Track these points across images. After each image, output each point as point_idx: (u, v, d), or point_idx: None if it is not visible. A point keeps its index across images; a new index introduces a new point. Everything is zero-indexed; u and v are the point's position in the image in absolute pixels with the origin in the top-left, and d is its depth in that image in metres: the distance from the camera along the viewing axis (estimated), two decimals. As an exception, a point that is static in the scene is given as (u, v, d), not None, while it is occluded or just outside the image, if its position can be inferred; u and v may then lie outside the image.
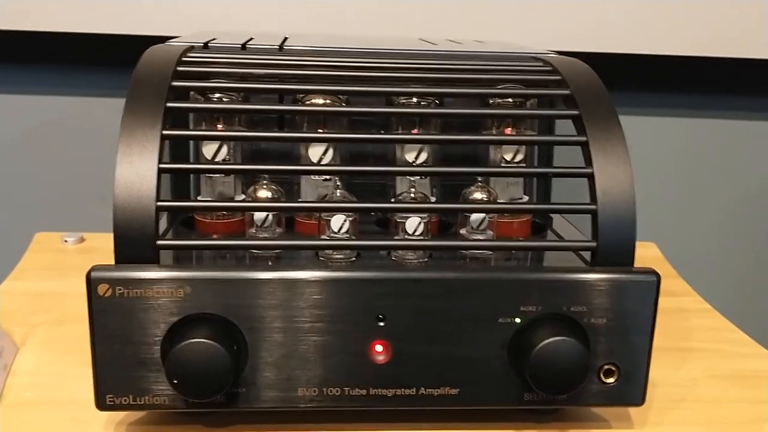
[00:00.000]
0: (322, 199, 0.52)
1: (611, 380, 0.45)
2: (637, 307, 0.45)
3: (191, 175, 0.57)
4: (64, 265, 0.70)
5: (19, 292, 0.64)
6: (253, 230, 0.50)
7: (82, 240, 0.74)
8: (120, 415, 0.47)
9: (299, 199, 0.54)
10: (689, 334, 0.61)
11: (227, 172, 0.52)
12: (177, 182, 0.57)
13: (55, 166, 0.85)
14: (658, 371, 0.51)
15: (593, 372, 0.45)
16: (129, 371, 0.43)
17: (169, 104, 0.46)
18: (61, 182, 0.85)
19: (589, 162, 0.47)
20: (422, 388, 0.45)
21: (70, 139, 0.85)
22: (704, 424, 0.49)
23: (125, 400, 0.43)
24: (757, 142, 0.93)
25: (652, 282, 0.45)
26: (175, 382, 0.42)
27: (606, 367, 0.45)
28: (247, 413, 0.46)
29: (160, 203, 0.43)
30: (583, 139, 0.48)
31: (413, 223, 0.48)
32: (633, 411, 0.49)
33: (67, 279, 0.66)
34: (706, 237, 0.96)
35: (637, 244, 0.78)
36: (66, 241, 0.74)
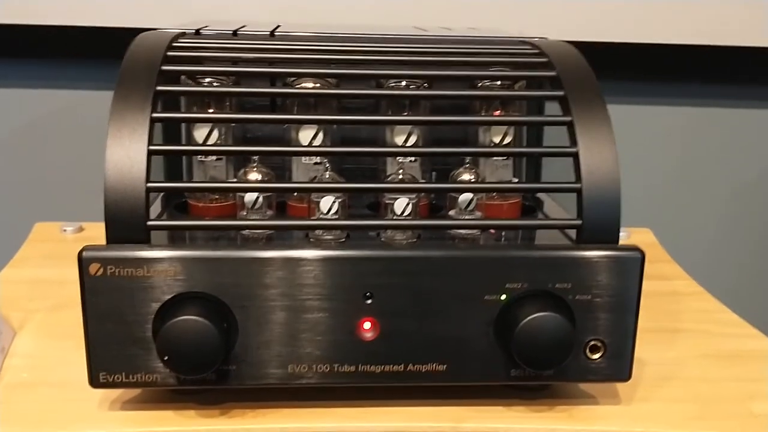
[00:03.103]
0: (312, 180, 0.53)
1: (597, 356, 0.46)
2: (623, 283, 0.45)
3: (183, 162, 0.58)
4: (63, 253, 0.70)
5: (17, 279, 0.65)
6: (244, 213, 0.51)
7: (81, 229, 0.75)
8: (114, 394, 0.47)
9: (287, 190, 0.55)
10: (680, 315, 0.62)
11: (217, 154, 0.52)
12: (170, 169, 0.58)
13: (53, 158, 0.86)
14: (646, 351, 0.52)
15: (579, 348, 0.46)
16: (121, 349, 0.44)
17: (159, 88, 0.47)
18: (60, 174, 0.86)
19: (574, 141, 0.47)
20: (410, 365, 0.45)
21: (69, 132, 0.86)
22: (691, 401, 0.49)
23: (118, 378, 0.44)
24: (754, 131, 0.93)
25: (637, 259, 0.45)
26: (166, 358, 0.42)
27: (592, 343, 0.46)
28: (239, 390, 0.47)
29: (150, 184, 0.44)
30: (568, 119, 0.48)
31: (401, 204, 0.49)
32: (620, 388, 0.50)
33: (66, 267, 0.67)
34: (703, 226, 0.96)
35: (632, 230, 0.79)
36: (65, 230, 0.74)
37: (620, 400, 0.49)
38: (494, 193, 0.54)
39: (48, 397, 0.48)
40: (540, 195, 0.60)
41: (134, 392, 0.48)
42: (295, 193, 0.53)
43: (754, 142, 0.93)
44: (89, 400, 0.47)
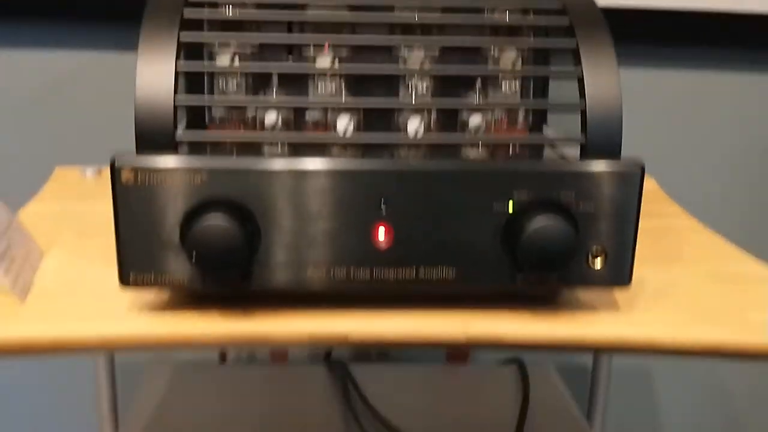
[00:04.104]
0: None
1: (599, 263, 0.49)
2: (624, 194, 0.48)
3: (206, 95, 0.60)
4: (85, 193, 0.74)
5: (40, 213, 0.67)
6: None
7: (100, 172, 0.78)
8: (142, 300, 0.50)
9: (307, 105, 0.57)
10: (680, 246, 0.64)
11: (240, 72, 0.55)
12: (192, 109, 0.60)
13: (74, 110, 0.89)
14: (645, 273, 0.55)
15: (582, 255, 0.48)
16: (150, 251, 0.46)
17: (186, 15, 0.49)
18: (81, 122, 0.89)
19: (579, 65, 0.50)
20: (421, 270, 0.48)
21: (85, 91, 0.89)
22: (689, 311, 0.52)
23: (147, 278, 0.47)
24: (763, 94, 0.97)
25: (637, 171, 0.48)
26: (193, 258, 0.45)
27: (594, 249, 0.48)
28: (260, 296, 0.49)
29: (178, 97, 0.47)
30: (573, 43, 0.51)
31: (414, 124, 0.52)
32: (621, 300, 0.52)
33: (88, 203, 0.70)
34: (710, 183, 0.99)
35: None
36: (85, 173, 0.77)
37: (621, 309, 0.51)
38: (502, 122, 0.57)
39: (78, 301, 0.50)
40: (546, 132, 0.62)
41: (161, 299, 0.50)
42: (313, 118, 0.56)
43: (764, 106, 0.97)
44: (118, 305, 0.49)
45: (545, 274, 0.48)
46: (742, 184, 1.00)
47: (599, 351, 0.49)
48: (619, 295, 0.53)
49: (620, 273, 0.49)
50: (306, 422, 0.78)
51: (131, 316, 0.48)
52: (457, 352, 0.97)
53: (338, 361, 0.88)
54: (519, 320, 0.50)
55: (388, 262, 0.48)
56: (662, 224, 0.69)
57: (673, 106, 0.97)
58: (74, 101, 0.91)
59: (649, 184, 0.82)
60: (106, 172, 0.78)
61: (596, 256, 0.48)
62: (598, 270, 0.49)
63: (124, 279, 0.47)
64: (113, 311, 0.49)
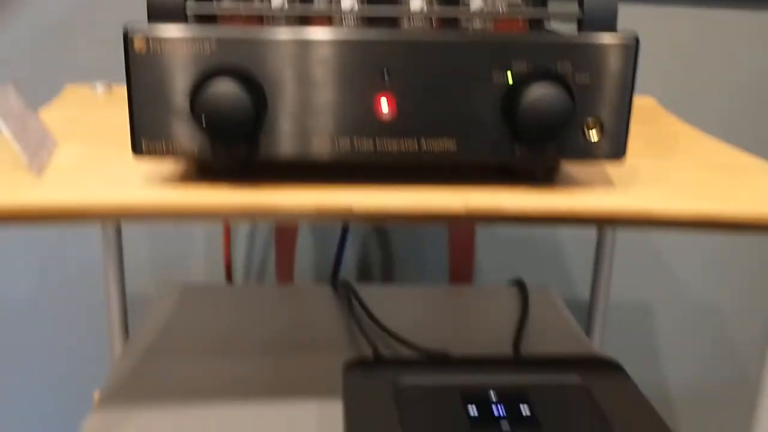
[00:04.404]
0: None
1: (595, 135, 0.50)
2: (619, 66, 0.49)
3: None
4: (95, 105, 0.75)
5: (51, 118, 0.69)
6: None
7: (110, 87, 0.79)
8: (153, 174, 0.52)
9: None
10: (675, 144, 0.66)
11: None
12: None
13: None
14: (640, 163, 0.56)
15: (578, 128, 0.50)
16: (162, 120, 0.48)
17: None
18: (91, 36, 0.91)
19: (576, -55, 0.51)
20: (423, 141, 0.50)
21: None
22: (683, 190, 0.53)
23: (158, 146, 0.48)
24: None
25: (632, 42, 0.49)
26: (203, 121, 0.47)
27: (590, 121, 0.50)
28: (269, 170, 0.51)
29: (187, -29, 0.48)
30: (572, -75, 0.52)
31: (416, 3, 0.53)
32: (617, 180, 0.54)
33: (99, 113, 0.72)
34: (709, 118, 1.01)
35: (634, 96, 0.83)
36: (96, 88, 0.79)
37: (617, 186, 0.53)
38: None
39: (93, 175, 0.52)
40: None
41: (173, 173, 0.52)
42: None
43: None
44: (132, 178, 0.51)
45: (543, 146, 0.50)
46: (745, 122, 1.02)
47: (597, 223, 0.50)
48: (615, 175, 0.55)
49: (615, 145, 0.50)
50: (313, 336, 0.80)
51: (144, 187, 0.50)
52: (460, 273, 0.99)
53: (344, 281, 0.90)
54: (518, 194, 0.51)
55: (391, 133, 0.49)
56: (658, 129, 0.70)
57: (680, 43, 0.98)
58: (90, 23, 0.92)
59: (648, 101, 0.83)
60: (117, 88, 0.80)
61: (592, 128, 0.50)
62: (594, 142, 0.50)
63: (137, 147, 0.48)
64: (127, 183, 0.51)
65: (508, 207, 0.50)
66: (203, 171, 0.52)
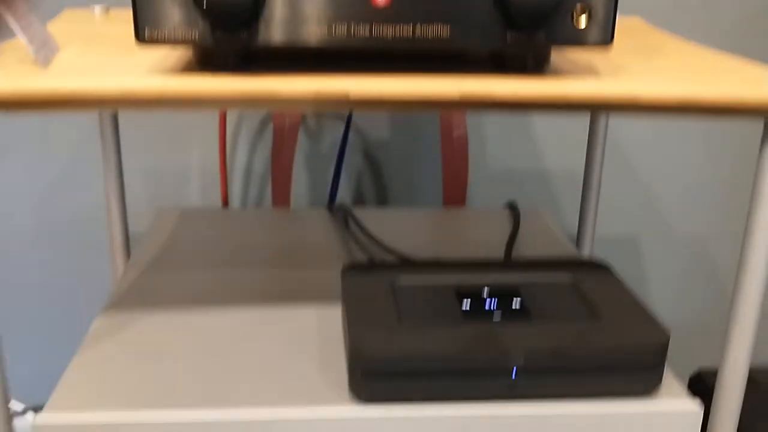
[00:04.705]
0: None
1: (583, 21, 0.52)
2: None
3: None
4: (94, 26, 0.76)
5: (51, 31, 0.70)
6: None
7: (108, 10, 0.81)
8: (157, 65, 0.53)
9: None
10: (664, 49, 0.68)
11: None
12: None
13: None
14: (627, 61, 0.58)
15: (567, 14, 0.51)
16: (164, 7, 0.50)
17: None
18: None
19: None
20: (418, 28, 0.51)
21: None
22: (671, 79, 0.55)
23: (160, 34, 0.50)
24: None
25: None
26: (204, 4, 0.48)
27: (578, 7, 0.51)
28: (268, 60, 0.53)
29: None
30: None
31: None
32: (605, 71, 0.56)
33: (99, 30, 0.73)
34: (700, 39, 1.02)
35: (622, 17, 0.84)
36: (94, 10, 0.80)
37: (605, 75, 0.55)
38: None
39: (97, 67, 0.54)
40: None
41: (175, 64, 0.54)
42: None
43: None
44: (136, 68, 0.53)
45: (534, 32, 0.51)
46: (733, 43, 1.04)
47: (587, 109, 0.52)
48: (604, 68, 0.56)
49: (603, 32, 0.52)
50: (312, 251, 0.82)
51: (148, 75, 0.52)
52: (454, 200, 1.01)
53: (340, 204, 0.92)
54: (510, 82, 0.53)
55: (387, 19, 0.51)
56: (646, 42, 0.72)
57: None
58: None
59: (636, 21, 0.85)
60: (115, 11, 0.81)
61: (581, 15, 0.52)
62: (582, 29, 0.52)
63: (140, 35, 0.50)
64: (131, 72, 0.52)
65: (500, 93, 0.52)
66: (204, 62, 0.54)
